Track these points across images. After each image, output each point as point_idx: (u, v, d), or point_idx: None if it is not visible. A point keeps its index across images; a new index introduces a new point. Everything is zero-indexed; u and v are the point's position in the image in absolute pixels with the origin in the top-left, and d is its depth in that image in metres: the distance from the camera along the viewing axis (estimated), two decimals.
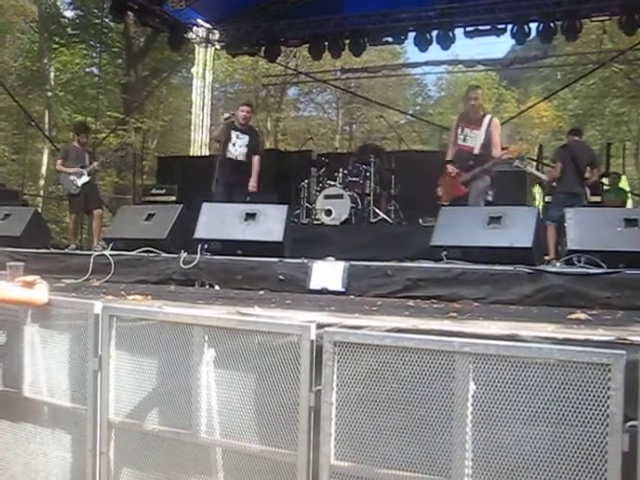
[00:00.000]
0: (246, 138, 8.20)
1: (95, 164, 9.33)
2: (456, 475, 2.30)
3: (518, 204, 7.60)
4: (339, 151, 21.51)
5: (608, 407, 2.09)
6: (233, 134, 8.10)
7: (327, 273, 5.20)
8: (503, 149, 7.40)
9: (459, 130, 7.44)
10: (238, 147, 8.12)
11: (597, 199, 9.43)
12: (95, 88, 20.80)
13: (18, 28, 24.18)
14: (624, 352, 2.11)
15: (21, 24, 24.14)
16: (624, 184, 11.72)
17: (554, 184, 8.77)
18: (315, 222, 9.74)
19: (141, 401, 3.06)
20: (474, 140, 7.28)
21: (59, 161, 9.43)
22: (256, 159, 8.26)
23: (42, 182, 22.65)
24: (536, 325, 3.03)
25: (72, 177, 9.05)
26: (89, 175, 9.12)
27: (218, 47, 14.04)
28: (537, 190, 10.76)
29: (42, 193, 21.92)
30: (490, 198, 7.25)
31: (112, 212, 12.34)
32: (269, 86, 25.82)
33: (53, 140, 18.62)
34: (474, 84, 10.28)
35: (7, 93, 16.06)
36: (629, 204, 11.35)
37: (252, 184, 8.16)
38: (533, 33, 11.30)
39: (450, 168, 7.38)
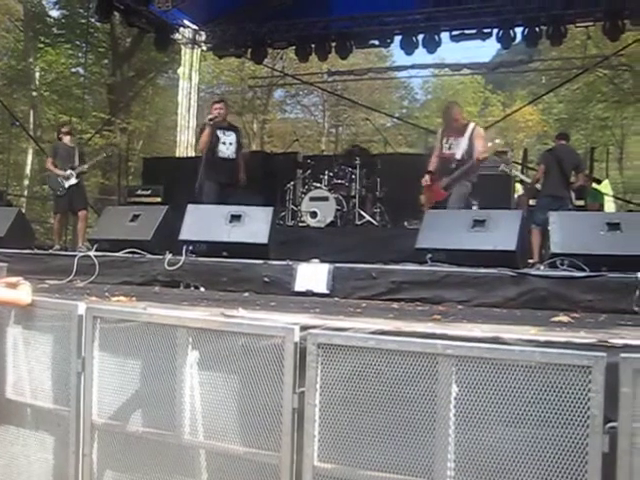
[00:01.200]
0: (233, 135, 8.17)
1: (85, 166, 9.31)
2: (438, 476, 2.31)
3: (503, 208, 7.65)
4: (325, 153, 21.50)
5: (589, 409, 2.11)
6: (219, 133, 8.04)
7: (312, 275, 5.20)
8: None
9: (444, 140, 7.49)
10: (229, 145, 8.08)
11: (581, 203, 9.50)
12: (80, 88, 20.70)
13: (3, 27, 23.97)
14: (605, 354, 2.14)
15: (6, 23, 23.95)
16: (607, 188, 11.79)
17: (538, 186, 8.82)
18: (300, 224, 9.75)
19: (124, 403, 3.06)
20: (457, 147, 7.33)
21: (49, 159, 9.41)
22: (241, 154, 8.32)
23: (26, 182, 22.48)
24: (519, 328, 3.05)
25: (60, 178, 9.04)
26: (77, 177, 9.09)
27: (204, 48, 14.01)
28: (518, 187, 10.82)
29: (26, 193, 21.76)
30: (475, 208, 7.28)
31: (97, 213, 12.28)
32: (255, 88, 25.79)
33: (38, 140, 18.50)
34: (450, 102, 10.35)
35: None
36: (612, 207, 11.41)
37: (244, 178, 8.18)
38: (518, 37, 11.34)
39: (425, 179, 7.43)
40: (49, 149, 9.96)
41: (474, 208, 7.24)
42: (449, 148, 7.40)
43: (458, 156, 7.28)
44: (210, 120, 7.95)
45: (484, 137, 7.46)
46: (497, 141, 9.63)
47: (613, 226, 5.19)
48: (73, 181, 9.06)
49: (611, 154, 18.14)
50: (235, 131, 8.34)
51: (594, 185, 11.23)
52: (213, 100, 9.14)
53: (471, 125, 7.47)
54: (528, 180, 9.53)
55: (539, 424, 2.19)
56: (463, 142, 7.29)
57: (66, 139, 9.43)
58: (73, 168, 9.08)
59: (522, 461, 2.21)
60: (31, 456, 3.36)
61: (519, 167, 11.29)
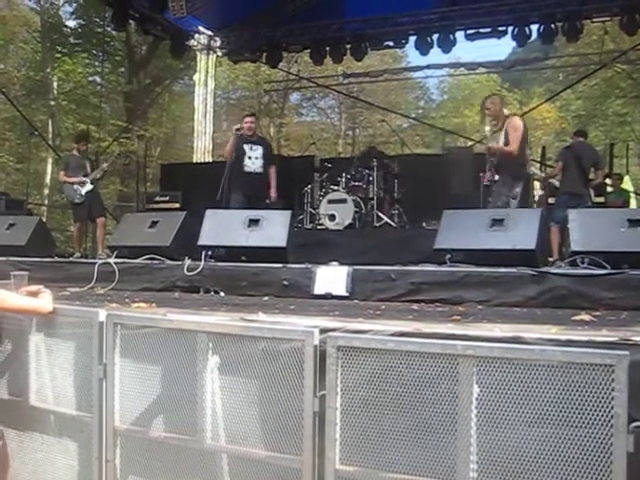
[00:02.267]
0: (260, 149, 8.21)
1: (97, 172, 9.39)
2: (461, 478, 2.30)
3: (521, 206, 7.58)
4: (342, 156, 21.53)
5: (612, 408, 2.09)
6: (246, 147, 8.11)
7: (331, 278, 5.20)
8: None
9: (493, 135, 7.40)
10: (255, 159, 8.14)
11: (601, 200, 9.42)
12: (98, 97, 20.88)
13: (21, 38, 24.27)
14: (627, 353, 2.11)
15: (24, 34, 24.23)
16: (627, 184, 11.70)
17: (554, 181, 8.75)
18: (319, 227, 9.76)
19: (146, 408, 3.07)
20: (499, 141, 7.17)
21: (61, 172, 9.55)
22: (273, 170, 8.33)
23: (46, 191, 22.71)
24: (539, 327, 3.03)
25: (75, 186, 9.13)
26: (92, 183, 9.18)
27: (220, 54, 14.08)
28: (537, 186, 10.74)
29: (46, 202, 21.98)
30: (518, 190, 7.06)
31: (116, 220, 12.36)
32: (271, 92, 25.86)
33: (57, 149, 18.69)
34: (490, 94, 10.05)
35: (10, 103, 16.11)
36: (633, 204, 11.33)
37: (273, 195, 8.24)
38: (534, 35, 11.30)
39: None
40: (62, 161, 10.06)
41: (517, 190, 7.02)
42: (497, 142, 7.25)
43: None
44: (237, 130, 8.04)
45: (516, 128, 7.09)
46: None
47: (634, 223, 5.13)
48: (88, 187, 9.15)
49: (631, 150, 17.99)
50: (263, 145, 8.37)
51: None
52: (245, 113, 9.20)
53: (509, 118, 7.23)
54: (541, 174, 9.43)
55: (562, 424, 2.17)
56: (501, 137, 7.12)
57: (75, 152, 9.56)
58: (86, 175, 9.18)
59: (545, 462, 2.19)
60: (55, 462, 3.38)
61: (537, 165, 11.20)
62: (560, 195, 8.55)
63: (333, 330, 2.78)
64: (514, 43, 11.73)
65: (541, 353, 2.25)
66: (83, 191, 9.11)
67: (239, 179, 7.91)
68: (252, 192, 7.98)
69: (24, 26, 23.76)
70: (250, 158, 8.10)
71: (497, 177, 7.15)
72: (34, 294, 3.29)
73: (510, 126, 7.07)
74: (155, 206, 11.03)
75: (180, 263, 5.94)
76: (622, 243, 5.05)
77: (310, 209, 10.24)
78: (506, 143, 7.02)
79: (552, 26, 11.05)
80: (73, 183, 9.16)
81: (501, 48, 25.08)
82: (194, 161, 14.34)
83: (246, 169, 8.05)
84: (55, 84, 23.51)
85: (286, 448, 2.66)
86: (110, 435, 3.15)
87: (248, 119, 8.37)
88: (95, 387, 3.18)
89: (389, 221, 9.71)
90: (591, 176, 8.65)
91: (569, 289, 4.57)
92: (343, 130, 32.54)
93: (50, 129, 22.21)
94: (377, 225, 9.67)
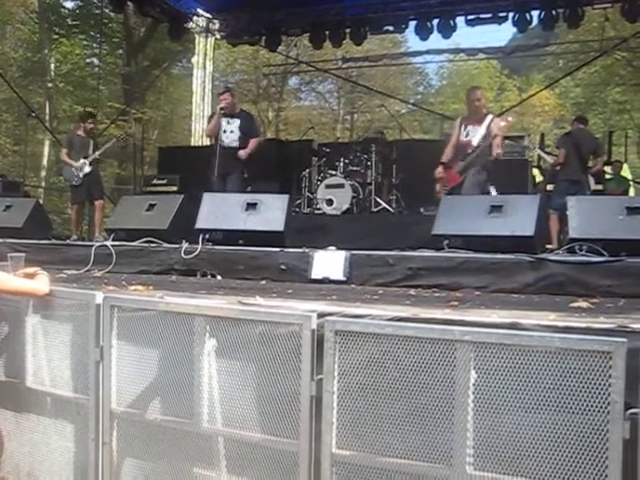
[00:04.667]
0: (237, 122, 8.05)
1: (97, 153, 9.34)
2: (457, 463, 2.31)
3: (520, 193, 7.58)
4: (340, 140, 21.42)
5: (609, 395, 2.10)
6: (223, 122, 8.00)
7: (328, 262, 5.19)
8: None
9: (462, 127, 7.48)
10: (229, 133, 7.99)
11: (600, 187, 9.40)
12: (95, 79, 20.74)
13: (18, 19, 24.07)
14: (625, 340, 2.11)
15: (21, 15, 24.03)
16: (626, 172, 11.69)
17: (558, 168, 8.74)
18: (316, 212, 9.73)
19: (143, 391, 3.08)
20: (474, 133, 7.33)
21: (64, 151, 9.47)
22: (253, 139, 8.05)
23: (43, 173, 22.62)
24: (537, 313, 3.03)
25: (74, 169, 9.09)
26: (91, 165, 9.13)
27: (218, 37, 13.97)
28: (536, 172, 10.77)
29: (43, 184, 21.90)
30: (494, 193, 7.19)
31: (113, 203, 12.33)
32: (270, 75, 25.73)
33: (54, 131, 18.59)
34: (474, 85, 10.30)
35: (7, 85, 16.01)
36: (631, 192, 11.33)
37: (241, 153, 7.90)
38: (535, 21, 11.20)
39: (438, 170, 7.44)
40: (65, 140, 10.00)
41: (493, 193, 7.15)
42: (467, 135, 7.39)
43: (475, 142, 7.28)
44: (221, 109, 7.97)
45: (501, 127, 7.43)
46: (510, 119, 9.50)
47: (632, 210, 5.13)
48: (87, 170, 9.10)
49: (630, 138, 17.91)
50: (241, 117, 8.18)
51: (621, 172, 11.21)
52: (218, 92, 9.07)
53: (490, 116, 7.49)
54: (548, 159, 9.40)
55: (559, 410, 2.18)
56: (481, 130, 7.30)
57: (80, 132, 9.48)
58: (86, 157, 9.13)
59: (542, 447, 2.20)
60: (52, 444, 3.39)
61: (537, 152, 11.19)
62: (559, 182, 8.53)
63: (331, 314, 2.77)
64: (514, 29, 11.64)
65: (539, 339, 2.25)
66: (81, 174, 9.07)
67: (215, 155, 7.77)
68: (225, 169, 7.75)
69: (21, 7, 23.56)
70: (225, 132, 7.97)
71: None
72: (31, 276, 3.28)
73: (494, 122, 7.38)
74: (153, 189, 10.97)
75: (177, 246, 5.93)
76: (620, 231, 5.04)
77: (308, 194, 10.20)
78: (487, 135, 7.26)
79: (553, 12, 10.96)
80: (72, 166, 9.12)
81: (501, 34, 24.99)
82: (192, 144, 14.28)
83: (220, 143, 7.91)
84: (52, 66, 23.33)
85: (283, 432, 2.67)
86: (107, 418, 3.15)
87: (222, 96, 8.21)
88: (92, 369, 3.18)
89: (387, 206, 9.69)
90: (590, 163, 8.64)
91: (567, 276, 4.57)
92: (341, 115, 32.41)
93: (47, 111, 22.07)
94: (375, 210, 9.65)
